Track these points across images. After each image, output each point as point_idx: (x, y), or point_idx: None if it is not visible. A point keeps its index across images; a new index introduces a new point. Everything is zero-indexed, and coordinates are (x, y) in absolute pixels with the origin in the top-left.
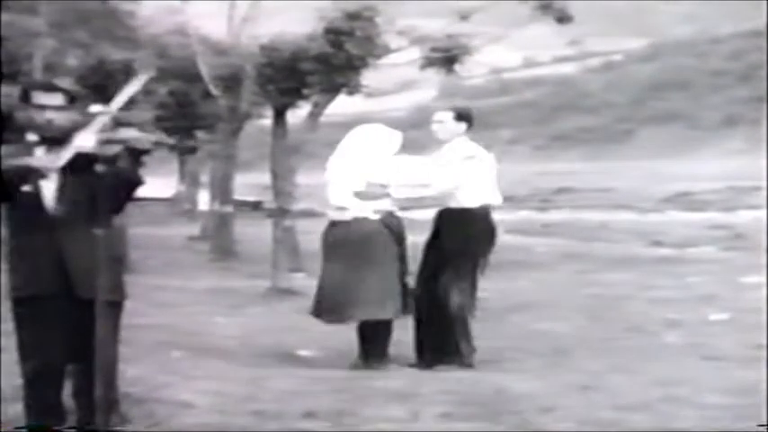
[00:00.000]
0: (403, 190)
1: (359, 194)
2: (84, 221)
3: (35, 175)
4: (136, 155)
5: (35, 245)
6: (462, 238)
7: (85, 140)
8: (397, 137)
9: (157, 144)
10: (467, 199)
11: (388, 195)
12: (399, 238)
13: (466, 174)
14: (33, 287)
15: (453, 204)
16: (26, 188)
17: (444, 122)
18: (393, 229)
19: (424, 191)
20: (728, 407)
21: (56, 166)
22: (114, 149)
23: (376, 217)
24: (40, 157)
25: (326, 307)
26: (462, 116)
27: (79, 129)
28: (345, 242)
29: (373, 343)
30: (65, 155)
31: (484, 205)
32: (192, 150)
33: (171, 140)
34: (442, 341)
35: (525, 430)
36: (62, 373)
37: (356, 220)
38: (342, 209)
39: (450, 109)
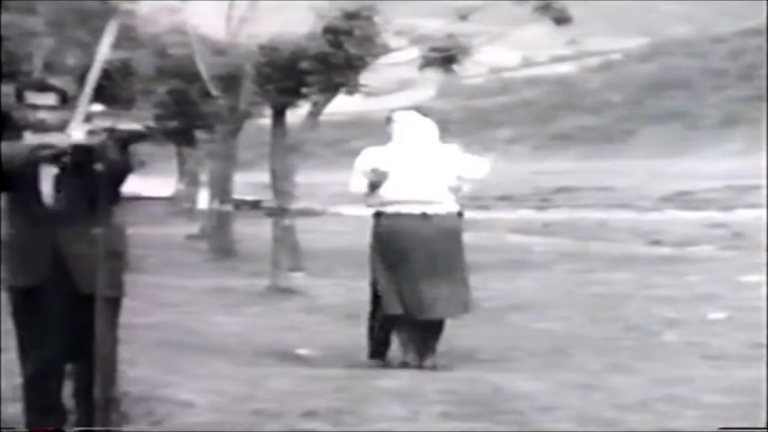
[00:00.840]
0: (470, 185)
1: (451, 189)
2: (81, 216)
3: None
4: (123, 143)
5: (33, 239)
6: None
7: (76, 135)
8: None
9: (142, 134)
10: None
11: (460, 190)
12: None
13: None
14: (31, 278)
15: None
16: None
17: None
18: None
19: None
20: (728, 406)
21: (69, 143)
22: (100, 137)
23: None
24: (52, 135)
25: (420, 304)
26: (424, 116)
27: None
28: (438, 237)
29: (435, 341)
30: (77, 131)
31: None
32: (189, 139)
33: (154, 124)
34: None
35: (525, 430)
36: (62, 373)
37: (449, 216)
38: (432, 203)
39: (415, 109)
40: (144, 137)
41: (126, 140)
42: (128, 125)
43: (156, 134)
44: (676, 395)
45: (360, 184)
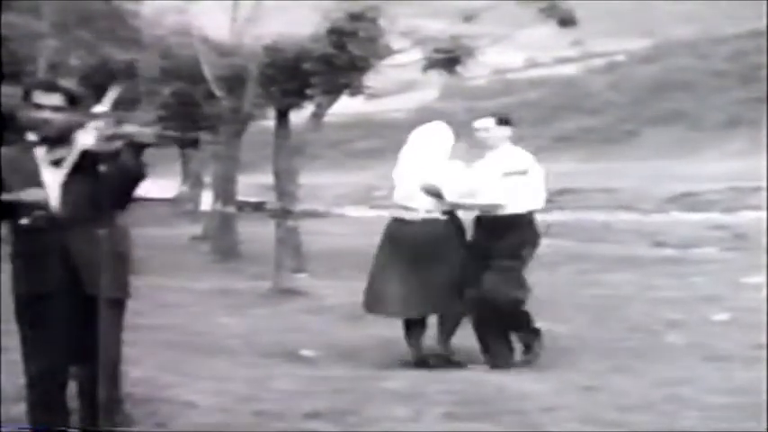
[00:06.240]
0: (452, 195)
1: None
2: (88, 219)
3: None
4: (137, 150)
5: (40, 244)
6: (516, 243)
7: (85, 139)
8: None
9: (160, 138)
10: (515, 207)
11: (441, 197)
12: (464, 240)
13: (516, 187)
14: (41, 286)
15: (500, 212)
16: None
17: (489, 129)
18: (460, 230)
19: (470, 200)
20: (730, 407)
21: (60, 180)
22: (115, 145)
23: (444, 218)
24: (36, 191)
25: (384, 301)
26: (504, 120)
27: (77, 129)
28: (414, 241)
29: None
30: (67, 164)
31: (530, 210)
32: (195, 143)
33: (174, 133)
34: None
35: (527, 430)
36: (66, 374)
37: (425, 221)
38: (409, 207)
39: (490, 115)
40: (158, 142)
41: (141, 146)
42: (141, 131)
43: (171, 142)
44: (679, 396)
45: None
